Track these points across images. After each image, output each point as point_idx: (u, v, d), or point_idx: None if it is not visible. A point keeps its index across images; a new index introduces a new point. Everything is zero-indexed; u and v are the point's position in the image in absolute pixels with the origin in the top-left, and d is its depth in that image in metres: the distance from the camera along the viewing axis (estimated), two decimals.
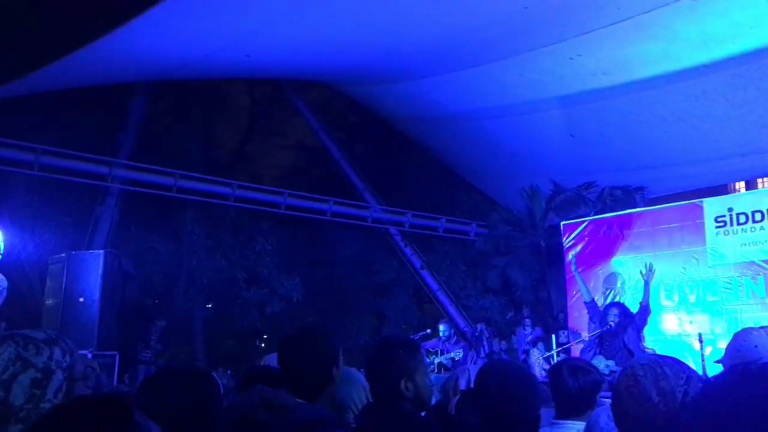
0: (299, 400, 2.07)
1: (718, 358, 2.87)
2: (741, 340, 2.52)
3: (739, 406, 1.05)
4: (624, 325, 7.21)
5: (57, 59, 10.04)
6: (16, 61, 11.55)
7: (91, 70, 11.10)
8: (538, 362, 11.00)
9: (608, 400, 2.89)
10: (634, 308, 7.69)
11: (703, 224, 9.00)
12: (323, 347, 2.23)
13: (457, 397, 2.88)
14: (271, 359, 2.96)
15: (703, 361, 7.15)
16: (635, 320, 7.42)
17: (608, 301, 9.54)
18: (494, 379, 2.32)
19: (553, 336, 10.73)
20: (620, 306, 7.67)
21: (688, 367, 1.62)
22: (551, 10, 9.68)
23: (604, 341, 7.17)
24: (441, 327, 8.75)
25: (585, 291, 8.84)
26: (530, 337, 13.20)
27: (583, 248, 10.30)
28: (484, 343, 13.14)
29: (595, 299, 9.82)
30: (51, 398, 1.49)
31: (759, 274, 8.49)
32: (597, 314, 7.90)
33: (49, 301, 9.76)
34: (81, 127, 13.84)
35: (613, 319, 7.25)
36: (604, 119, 12.52)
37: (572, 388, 2.79)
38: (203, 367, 1.96)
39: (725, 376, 1.16)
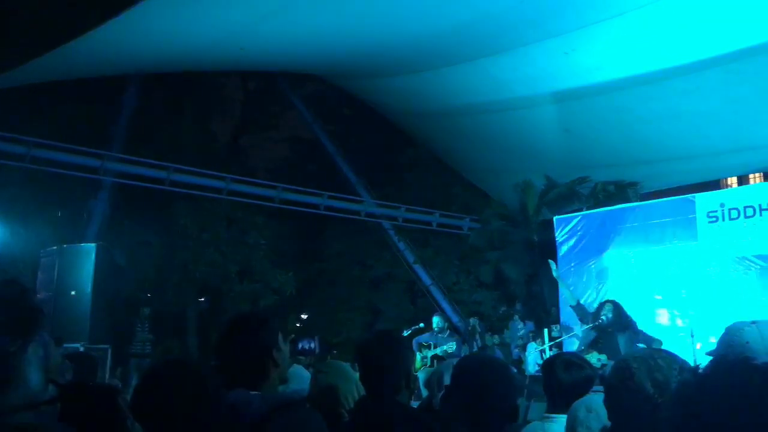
0: (253, 392, 2.04)
1: (709, 352, 2.87)
2: (732, 336, 2.51)
3: (724, 398, 1.05)
4: (620, 324, 7.16)
5: (49, 50, 9.97)
6: (7, 52, 11.46)
7: (83, 61, 11.03)
8: (534, 356, 11.04)
9: (595, 393, 2.90)
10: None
11: (695, 219, 9.03)
12: (255, 334, 2.19)
13: (442, 391, 2.89)
14: None
15: (694, 356, 7.18)
16: (631, 319, 7.35)
17: (600, 295, 9.56)
18: (469, 372, 2.33)
19: (546, 330, 10.76)
20: (614, 303, 7.66)
21: (681, 359, 1.63)
22: (545, 4, 9.68)
23: (599, 340, 7.15)
24: (435, 319, 8.75)
25: (569, 295, 8.82)
26: (523, 331, 13.24)
27: (575, 243, 10.32)
28: (477, 337, 13.19)
29: (587, 294, 9.86)
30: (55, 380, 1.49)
31: (750, 269, 8.53)
32: (587, 315, 7.86)
33: (40, 294, 9.72)
34: (73, 120, 13.76)
35: (606, 314, 7.24)
36: (597, 114, 12.54)
37: (564, 382, 2.80)
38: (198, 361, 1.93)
39: (711, 368, 1.16)
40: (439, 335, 8.65)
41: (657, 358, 1.61)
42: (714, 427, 1.04)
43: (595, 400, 2.41)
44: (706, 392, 1.08)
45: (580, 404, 2.48)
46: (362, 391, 2.61)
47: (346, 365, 2.96)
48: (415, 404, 3.55)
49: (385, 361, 2.36)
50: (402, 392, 2.35)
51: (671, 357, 1.63)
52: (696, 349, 7.25)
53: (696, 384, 1.13)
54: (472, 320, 14.16)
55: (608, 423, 1.75)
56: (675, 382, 1.54)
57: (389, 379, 2.33)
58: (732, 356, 1.14)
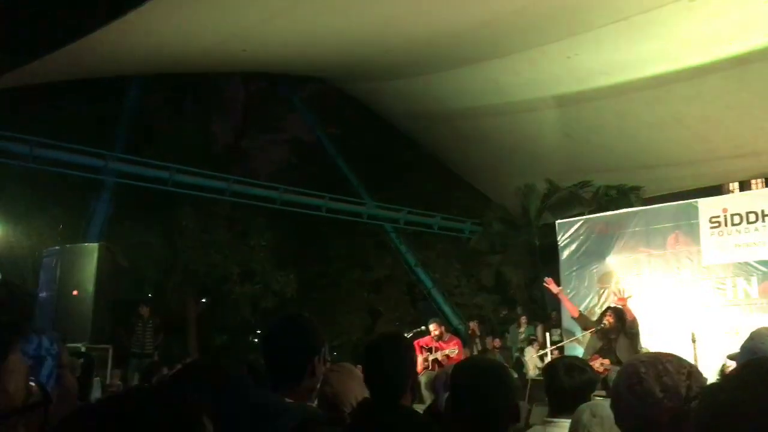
0: (288, 400, 2.06)
1: (705, 358, 2.85)
2: (758, 342, 2.43)
3: (753, 401, 1.03)
4: (622, 329, 7.17)
5: (54, 50, 9.99)
6: (12, 52, 11.49)
7: (87, 62, 11.05)
8: (532, 360, 11.05)
9: (600, 398, 2.90)
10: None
11: (697, 224, 9.02)
12: (307, 335, 2.22)
13: (447, 393, 2.89)
14: None
15: (695, 360, 7.18)
16: (622, 319, 7.34)
17: (603, 300, 9.56)
18: (466, 376, 2.33)
19: (547, 334, 10.76)
20: (616, 309, 7.66)
21: (688, 362, 1.61)
22: (549, 9, 9.68)
23: (602, 346, 7.16)
24: (431, 326, 8.70)
25: (571, 307, 8.80)
26: (524, 335, 13.24)
27: (577, 247, 10.31)
28: (476, 340, 13.16)
29: (589, 299, 9.85)
30: (42, 384, 1.50)
31: (752, 275, 8.52)
32: (590, 324, 7.86)
33: (42, 294, 9.72)
34: (76, 120, 13.78)
35: (608, 319, 7.26)
36: (600, 119, 12.55)
37: (566, 385, 2.80)
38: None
39: (740, 370, 1.14)
40: (440, 340, 8.62)
41: (665, 362, 1.59)
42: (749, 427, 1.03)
43: (601, 405, 2.41)
44: (736, 397, 1.07)
45: (585, 408, 2.48)
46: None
47: (352, 365, 2.96)
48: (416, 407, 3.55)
49: (392, 363, 2.36)
50: (406, 395, 2.35)
51: (679, 361, 1.61)
52: (698, 353, 7.25)
53: (725, 388, 1.11)
54: (471, 323, 14.15)
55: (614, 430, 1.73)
56: (684, 387, 1.52)
57: (394, 382, 2.33)
58: (759, 359, 1.12)
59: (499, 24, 10.19)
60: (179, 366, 1.90)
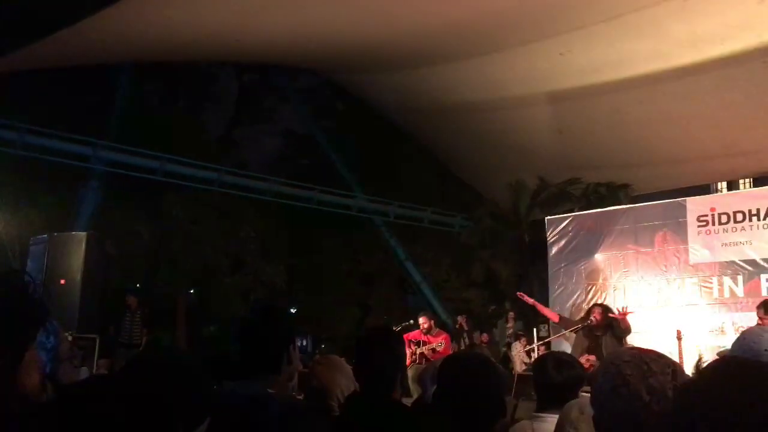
0: (270, 390, 2.07)
1: (691, 356, 2.86)
2: (751, 342, 2.40)
3: (728, 398, 1.04)
4: (608, 326, 7.23)
5: (45, 37, 9.90)
6: (1, 38, 11.36)
7: (78, 49, 10.96)
8: (519, 355, 11.11)
9: (586, 394, 2.91)
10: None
11: (685, 223, 9.08)
12: (283, 325, 2.24)
13: (434, 387, 2.91)
14: None
15: (680, 357, 7.25)
16: (612, 326, 7.40)
17: (590, 296, 9.62)
18: (453, 370, 2.35)
19: (534, 330, 10.81)
20: (603, 306, 7.71)
21: (671, 360, 1.57)
22: (543, 5, 9.70)
23: (589, 346, 7.22)
24: (420, 319, 8.75)
25: (550, 314, 8.86)
26: (512, 331, 13.30)
27: (566, 244, 10.35)
28: (464, 335, 13.21)
29: (577, 295, 9.91)
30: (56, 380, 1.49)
31: (739, 274, 8.59)
32: (571, 324, 7.92)
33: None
34: (66, 107, 13.66)
35: (594, 316, 7.32)
36: (591, 116, 12.58)
37: (555, 381, 2.81)
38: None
39: (719, 365, 1.14)
40: (428, 333, 8.67)
41: (649, 362, 1.52)
42: (722, 425, 1.03)
43: (589, 403, 2.41)
44: (714, 390, 1.07)
45: (573, 404, 2.49)
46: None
47: (341, 359, 2.97)
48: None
49: (382, 357, 2.37)
50: (396, 389, 2.36)
51: (663, 360, 1.55)
52: (683, 351, 7.32)
53: (701, 381, 1.11)
54: (459, 318, 14.19)
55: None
56: (669, 387, 1.48)
57: (384, 376, 2.34)
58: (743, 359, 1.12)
59: (493, 19, 10.19)
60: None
